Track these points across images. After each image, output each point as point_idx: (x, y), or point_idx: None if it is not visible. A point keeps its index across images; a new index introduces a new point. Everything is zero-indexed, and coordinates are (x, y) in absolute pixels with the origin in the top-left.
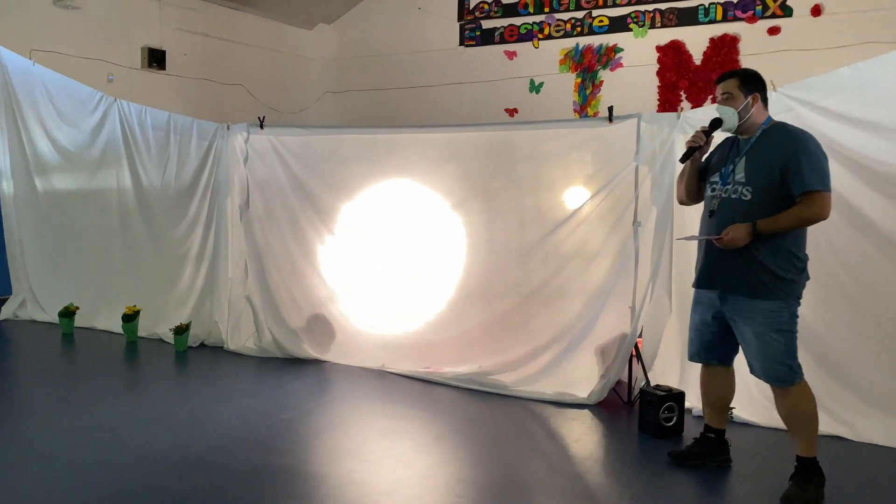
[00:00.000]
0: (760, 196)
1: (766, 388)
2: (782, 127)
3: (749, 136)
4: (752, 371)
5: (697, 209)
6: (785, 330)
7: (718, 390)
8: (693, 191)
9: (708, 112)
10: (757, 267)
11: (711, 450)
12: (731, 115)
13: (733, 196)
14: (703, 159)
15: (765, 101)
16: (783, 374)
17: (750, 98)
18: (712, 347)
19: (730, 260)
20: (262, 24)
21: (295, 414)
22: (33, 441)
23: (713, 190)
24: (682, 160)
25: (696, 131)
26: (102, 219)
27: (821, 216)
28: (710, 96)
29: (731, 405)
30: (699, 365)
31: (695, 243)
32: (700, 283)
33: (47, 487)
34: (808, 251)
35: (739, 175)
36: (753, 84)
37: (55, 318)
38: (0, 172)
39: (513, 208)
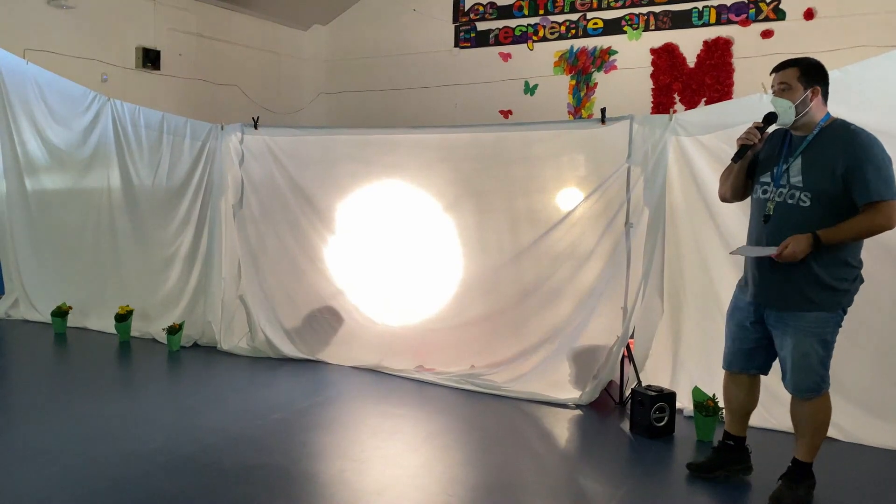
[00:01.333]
0: (820, 203)
1: (767, 392)
2: (844, 126)
3: (805, 134)
4: (783, 379)
5: (690, 211)
6: (826, 341)
7: (743, 398)
8: (739, 189)
9: (701, 114)
10: (811, 280)
11: (732, 458)
12: (787, 109)
13: (790, 201)
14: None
15: (825, 95)
16: (811, 387)
17: (809, 91)
18: (753, 356)
19: (781, 271)
20: (256, 25)
21: (287, 413)
22: (26, 440)
23: (765, 192)
24: (735, 160)
25: (750, 127)
26: (93, 218)
27: (888, 226)
28: (704, 99)
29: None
30: (689, 366)
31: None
32: (745, 290)
33: (40, 486)
34: None
35: (795, 178)
36: (815, 76)
37: (48, 318)
38: None
39: (505, 209)
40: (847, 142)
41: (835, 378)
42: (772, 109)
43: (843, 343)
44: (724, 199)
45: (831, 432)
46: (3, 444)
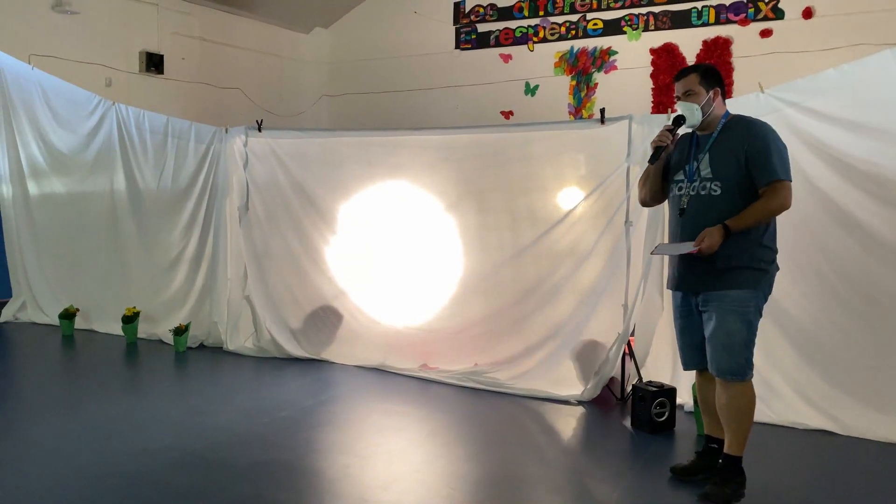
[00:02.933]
0: (729, 190)
1: (755, 382)
2: (741, 119)
3: (710, 132)
4: (708, 362)
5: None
6: (749, 321)
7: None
8: (658, 192)
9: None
10: (728, 263)
11: (715, 461)
12: (694, 112)
13: (702, 192)
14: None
15: (723, 94)
16: (737, 368)
17: (711, 93)
18: (703, 350)
19: (701, 260)
20: (259, 29)
21: (293, 411)
22: (37, 439)
23: (680, 189)
24: (652, 161)
25: (662, 130)
26: (99, 221)
27: (785, 205)
28: None
29: None
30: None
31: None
32: (674, 284)
33: (52, 483)
34: (795, 249)
35: (705, 171)
36: (713, 79)
37: (55, 320)
38: None
39: (506, 209)
40: (746, 131)
41: (833, 373)
42: (680, 113)
43: (841, 338)
44: (644, 204)
45: (830, 426)
46: (16, 443)
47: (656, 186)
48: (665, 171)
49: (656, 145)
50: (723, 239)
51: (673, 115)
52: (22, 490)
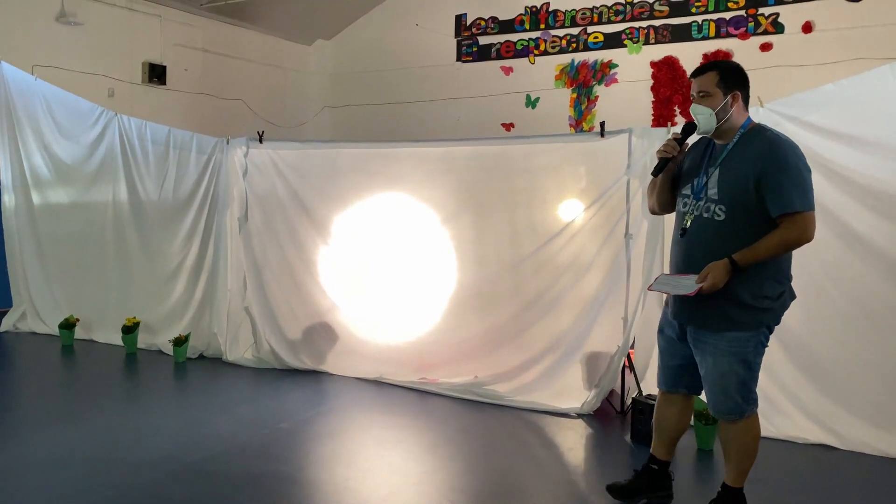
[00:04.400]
0: (734, 216)
1: (766, 400)
2: (761, 131)
3: (726, 142)
4: (706, 399)
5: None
6: (747, 361)
7: (676, 419)
8: (667, 202)
9: None
10: (730, 300)
11: (655, 484)
12: (707, 117)
13: (705, 215)
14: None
15: (746, 100)
16: (731, 408)
17: (730, 97)
18: (681, 373)
19: (701, 294)
20: (261, 40)
21: (292, 423)
22: (36, 449)
23: (685, 205)
24: (655, 174)
25: (668, 139)
26: (100, 231)
27: (804, 239)
28: None
29: None
30: None
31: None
32: (669, 308)
33: (50, 494)
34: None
35: (712, 190)
36: (735, 80)
37: (55, 330)
38: (1, 186)
39: (506, 221)
40: (761, 149)
41: (833, 387)
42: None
43: (841, 353)
44: (653, 212)
45: (830, 440)
46: (14, 453)
47: (666, 196)
48: (675, 179)
49: (661, 156)
50: (729, 276)
51: (685, 123)
52: (22, 501)
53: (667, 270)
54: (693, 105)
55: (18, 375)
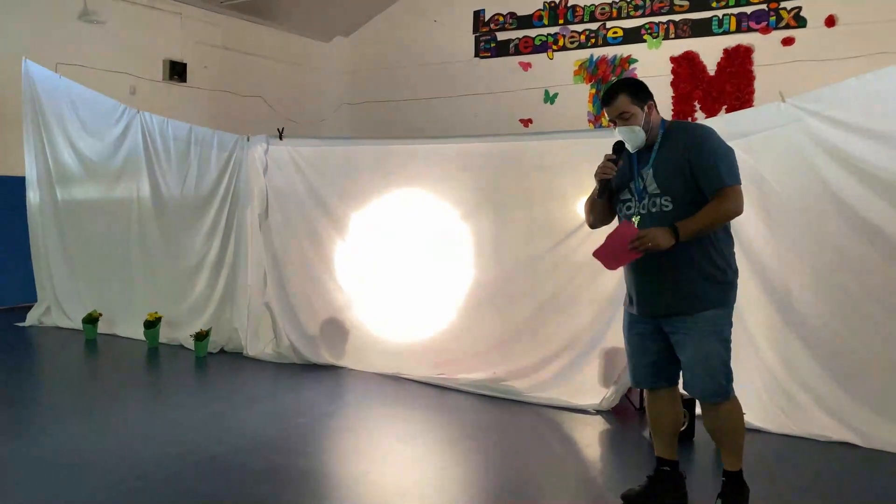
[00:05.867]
0: (679, 204)
1: (775, 394)
2: (680, 126)
3: (650, 144)
4: (685, 387)
5: None
6: (725, 339)
7: (670, 413)
8: (606, 215)
9: (717, 123)
10: (695, 279)
11: (668, 487)
12: (636, 135)
13: (653, 210)
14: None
15: (655, 104)
16: (720, 389)
17: (646, 108)
18: (659, 368)
19: (663, 282)
20: (280, 37)
21: (312, 417)
22: (60, 442)
23: (629, 208)
24: (601, 196)
25: (604, 162)
26: (123, 227)
27: (737, 211)
28: (724, 107)
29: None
30: None
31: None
32: (637, 309)
33: (74, 485)
34: (816, 259)
35: (652, 187)
36: (644, 93)
37: (79, 325)
38: (27, 182)
39: (522, 218)
40: (687, 139)
41: (856, 385)
42: (619, 139)
43: (863, 350)
44: (592, 227)
45: (852, 438)
46: (40, 446)
47: (605, 211)
48: (610, 194)
49: (602, 177)
50: (670, 241)
51: (614, 143)
52: (45, 493)
53: None
54: (619, 128)
55: (43, 369)
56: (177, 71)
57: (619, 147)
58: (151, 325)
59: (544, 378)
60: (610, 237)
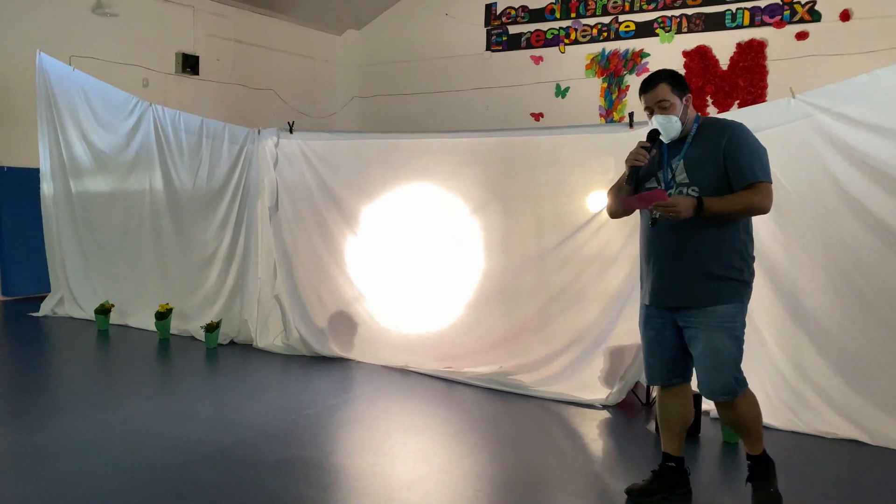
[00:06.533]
0: (707, 192)
1: (782, 391)
2: (715, 122)
3: (683, 136)
4: (698, 384)
5: None
6: (737, 336)
7: (681, 410)
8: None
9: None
10: (708, 271)
11: (673, 482)
12: (673, 125)
13: None
14: None
15: (691, 98)
16: (730, 387)
17: (684, 100)
18: (674, 364)
19: (680, 271)
20: (292, 30)
21: (320, 409)
22: (72, 431)
23: None
24: (630, 182)
25: (637, 149)
26: (135, 220)
27: (765, 206)
28: (737, 101)
29: None
30: None
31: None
32: (652, 299)
33: (85, 475)
34: (825, 257)
35: (681, 177)
36: (683, 84)
37: (91, 316)
38: (41, 174)
39: (532, 213)
40: (722, 133)
41: (864, 382)
42: (654, 128)
43: (872, 348)
44: (613, 216)
45: (859, 435)
46: (51, 434)
47: None
48: (637, 182)
49: (632, 165)
50: (693, 212)
51: (649, 131)
52: (57, 481)
53: None
54: (656, 116)
55: (55, 359)
56: (189, 64)
57: (653, 135)
58: (162, 316)
59: (551, 372)
60: (641, 195)
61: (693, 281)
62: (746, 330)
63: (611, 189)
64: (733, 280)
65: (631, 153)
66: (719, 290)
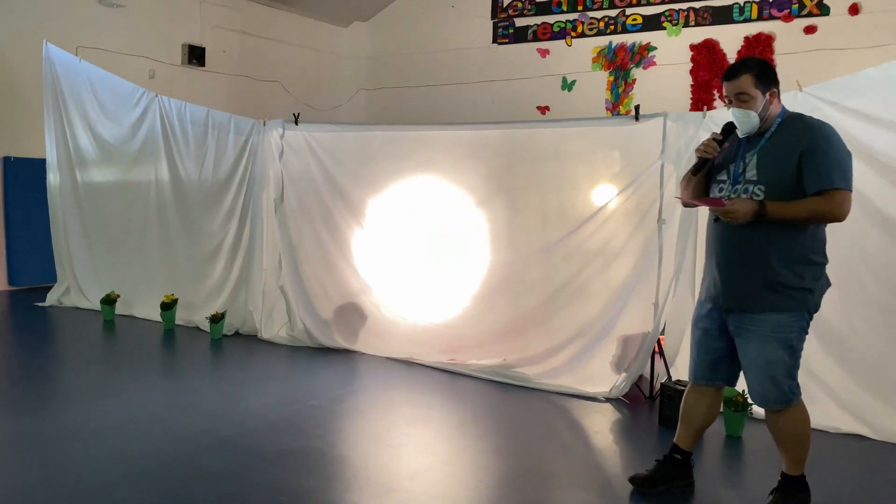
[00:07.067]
0: (773, 195)
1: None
2: (799, 118)
3: (763, 131)
4: (748, 390)
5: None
6: (792, 347)
7: (705, 412)
8: (701, 194)
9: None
10: (770, 279)
11: (676, 473)
12: (751, 120)
13: (743, 196)
14: None
15: (779, 92)
16: (779, 397)
17: (768, 95)
18: (717, 366)
19: (736, 273)
20: (298, 22)
21: (324, 400)
22: (78, 420)
23: (721, 190)
24: (695, 172)
25: (709, 140)
26: (141, 210)
27: (838, 215)
28: None
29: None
30: None
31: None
32: (707, 296)
33: (93, 463)
34: (830, 251)
35: (751, 173)
36: (770, 78)
37: (97, 306)
38: (47, 164)
39: (537, 205)
40: (803, 131)
41: (867, 377)
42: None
43: (876, 342)
44: (685, 205)
45: (863, 430)
46: (57, 422)
47: (699, 188)
48: (709, 170)
49: (701, 156)
50: (754, 216)
51: (725, 123)
52: (62, 469)
53: (700, 256)
54: (734, 109)
55: (61, 348)
56: (196, 55)
57: (728, 129)
58: (168, 307)
59: (555, 365)
60: (701, 200)
61: (749, 286)
62: None
63: (683, 176)
64: (791, 288)
65: (702, 143)
66: (775, 299)
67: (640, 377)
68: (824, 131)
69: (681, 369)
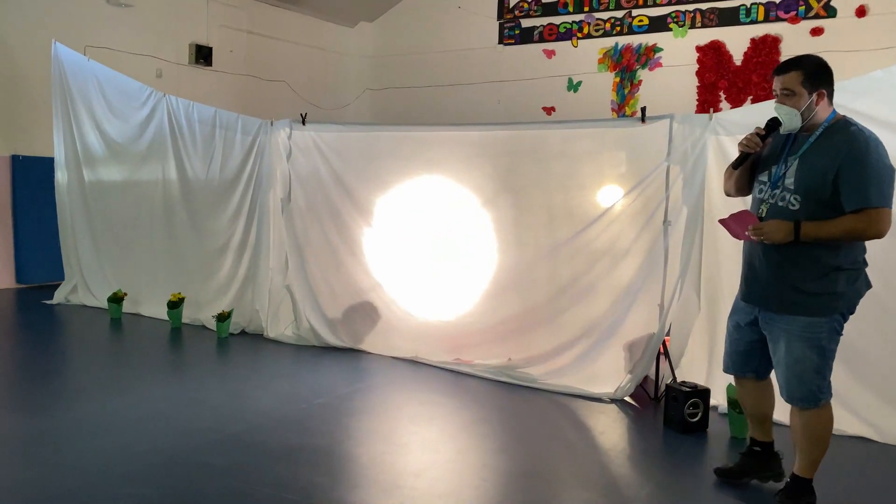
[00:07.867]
0: (808, 207)
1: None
2: (846, 125)
3: (808, 133)
4: (779, 387)
5: (728, 210)
6: (821, 347)
7: (754, 402)
8: (743, 186)
9: (741, 114)
10: (792, 283)
11: (759, 464)
12: (792, 117)
13: (780, 203)
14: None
15: (831, 95)
16: (806, 395)
17: (815, 95)
18: (747, 358)
19: (767, 274)
20: (305, 22)
21: (329, 398)
22: (86, 417)
23: (761, 192)
24: (735, 167)
25: (752, 134)
26: (148, 209)
27: (874, 234)
28: (750, 97)
29: None
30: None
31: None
32: (741, 292)
33: (100, 459)
34: None
35: (789, 180)
36: (821, 78)
37: (104, 304)
38: (55, 163)
39: (543, 206)
40: (843, 143)
41: (873, 379)
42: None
43: (882, 344)
44: (728, 195)
45: (868, 433)
46: (66, 421)
47: (743, 181)
48: (754, 163)
49: (743, 150)
50: (790, 237)
51: (770, 118)
52: (69, 466)
53: (705, 257)
54: (777, 104)
55: (69, 346)
56: (203, 55)
57: (772, 124)
58: (174, 305)
59: (560, 365)
60: (733, 216)
61: (779, 289)
62: None
63: (726, 169)
64: (819, 294)
65: (744, 137)
66: (804, 303)
67: (646, 378)
68: (864, 145)
69: (686, 371)
